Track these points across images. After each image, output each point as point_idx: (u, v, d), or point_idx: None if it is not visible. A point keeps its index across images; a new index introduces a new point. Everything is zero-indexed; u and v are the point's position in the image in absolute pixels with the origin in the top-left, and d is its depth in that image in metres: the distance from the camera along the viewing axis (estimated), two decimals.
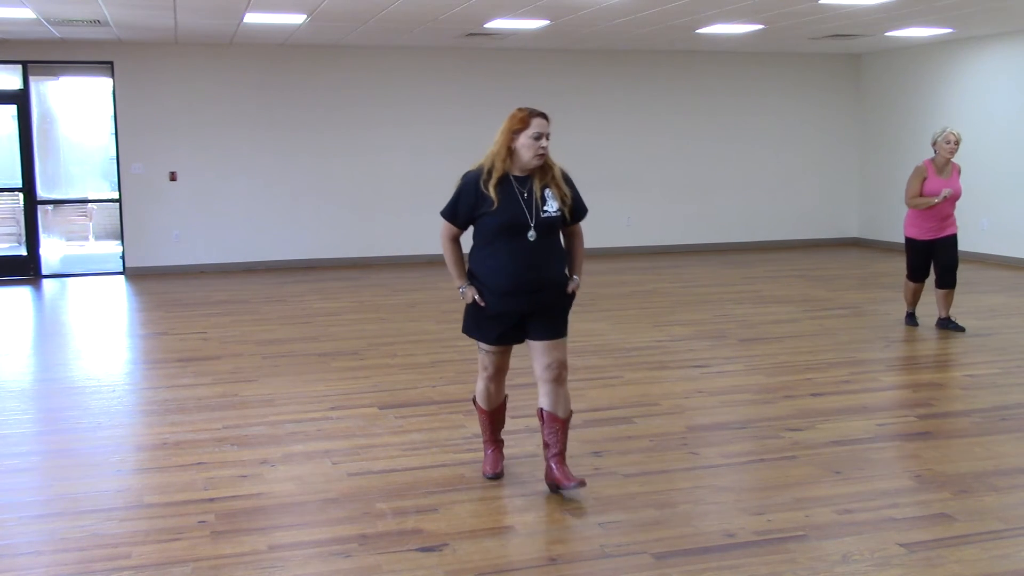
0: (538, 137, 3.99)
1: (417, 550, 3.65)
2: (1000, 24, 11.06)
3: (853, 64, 14.29)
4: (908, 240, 7.84)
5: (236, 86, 12.17)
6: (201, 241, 12.24)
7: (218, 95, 12.13)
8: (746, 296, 9.71)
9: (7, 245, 12.68)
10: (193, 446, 4.99)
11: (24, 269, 11.90)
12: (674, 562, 3.52)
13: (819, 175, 14.39)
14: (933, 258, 7.76)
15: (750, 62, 13.86)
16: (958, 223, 7.84)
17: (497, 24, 10.39)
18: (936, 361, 7.06)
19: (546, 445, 4.24)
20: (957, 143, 7.55)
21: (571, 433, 4.51)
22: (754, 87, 13.95)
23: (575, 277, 4.24)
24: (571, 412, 4.27)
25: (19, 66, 11.60)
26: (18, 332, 8.67)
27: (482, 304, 4.13)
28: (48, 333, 8.77)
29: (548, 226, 4.08)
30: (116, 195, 12.15)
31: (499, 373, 4.31)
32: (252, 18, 9.75)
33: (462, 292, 4.20)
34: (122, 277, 11.92)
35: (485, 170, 4.05)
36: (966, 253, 11.42)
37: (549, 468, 4.23)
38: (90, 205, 14.09)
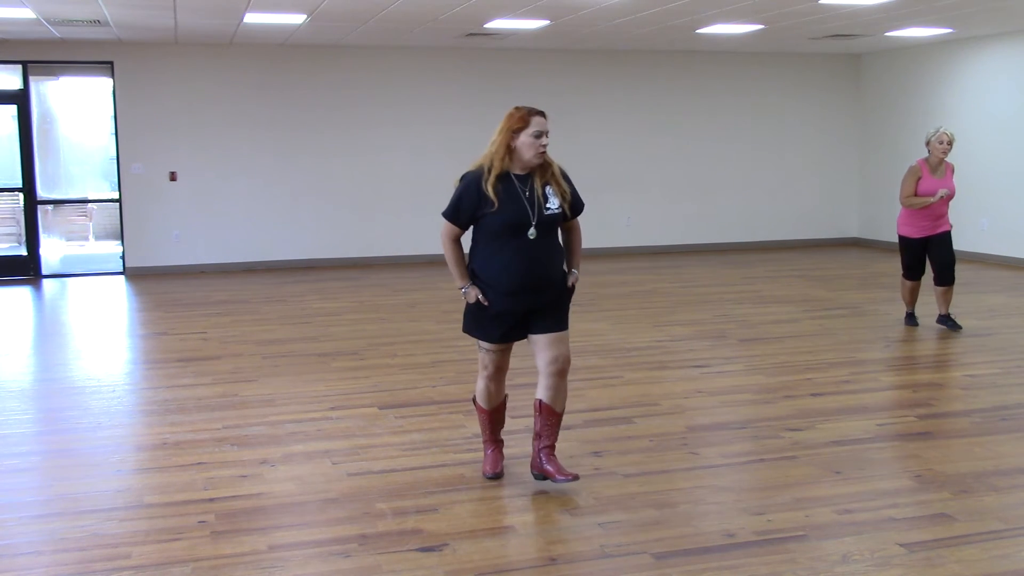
0: (538, 135, 4.01)
1: (417, 550, 3.65)
2: (1000, 24, 11.06)
3: (853, 64, 14.29)
4: (902, 239, 7.87)
5: (236, 86, 12.17)
6: (201, 241, 12.24)
7: (218, 95, 12.13)
8: (746, 296, 9.71)
9: (7, 245, 12.68)
10: (193, 446, 4.99)
11: (24, 269, 11.90)
12: (674, 562, 3.52)
13: (819, 175, 14.39)
14: (929, 256, 7.77)
15: (750, 62, 13.85)
16: (956, 223, 7.85)
17: (497, 24, 10.39)
18: (936, 361, 7.06)
19: (538, 436, 4.28)
20: (950, 143, 7.55)
21: (571, 433, 4.52)
22: (754, 87, 13.95)
23: (574, 271, 4.27)
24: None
25: (19, 66, 11.60)
26: (18, 332, 8.67)
27: (485, 304, 4.12)
28: (48, 333, 8.77)
29: (549, 224, 4.11)
30: (116, 195, 12.15)
31: (499, 372, 4.32)
32: (252, 18, 9.75)
33: (464, 292, 4.19)
34: (122, 277, 11.92)
35: (486, 169, 4.05)
36: (966, 253, 11.43)
37: (539, 459, 4.28)
38: (90, 205, 14.09)
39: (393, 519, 3.96)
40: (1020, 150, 11.73)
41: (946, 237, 7.71)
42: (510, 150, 4.03)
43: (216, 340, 7.82)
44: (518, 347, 4.31)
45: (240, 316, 8.94)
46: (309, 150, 12.46)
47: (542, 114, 4.05)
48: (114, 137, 11.94)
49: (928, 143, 7.63)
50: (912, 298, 8.03)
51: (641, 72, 13.45)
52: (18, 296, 10.70)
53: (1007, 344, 7.30)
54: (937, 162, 7.62)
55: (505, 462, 4.54)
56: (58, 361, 7.30)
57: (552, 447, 4.27)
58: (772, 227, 14.20)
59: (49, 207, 12.63)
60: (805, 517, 3.92)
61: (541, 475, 4.28)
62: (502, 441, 4.53)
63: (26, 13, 9.24)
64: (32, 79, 11.74)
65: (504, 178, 4.04)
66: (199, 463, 4.71)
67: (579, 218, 4.31)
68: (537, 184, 4.08)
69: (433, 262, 12.61)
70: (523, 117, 4.01)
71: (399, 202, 12.72)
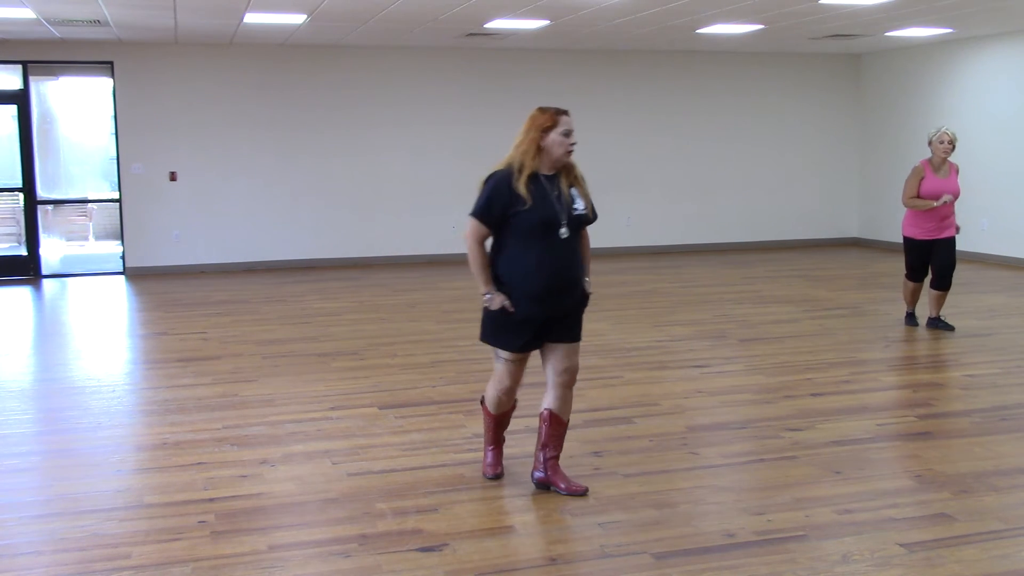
0: (567, 134, 4.03)
1: (417, 550, 3.65)
2: (1000, 24, 11.06)
3: (853, 64, 14.29)
4: (907, 240, 7.84)
5: (236, 86, 12.17)
6: (201, 241, 12.24)
7: (218, 95, 12.13)
8: (746, 296, 9.71)
9: (7, 245, 12.68)
10: (193, 446, 4.99)
11: (24, 269, 11.90)
12: (674, 562, 3.52)
13: (819, 175, 14.39)
14: (931, 258, 7.75)
15: (750, 62, 13.86)
16: (958, 223, 7.84)
17: (497, 24, 10.39)
18: (936, 361, 7.05)
19: (544, 446, 4.25)
20: (951, 142, 7.53)
21: (571, 433, 4.52)
22: (754, 87, 13.95)
23: (586, 279, 4.26)
24: None
25: (19, 66, 11.60)
26: (18, 332, 8.67)
27: (511, 310, 4.04)
28: (48, 333, 8.77)
29: (578, 224, 4.10)
30: (116, 195, 12.16)
31: (516, 384, 4.26)
32: (252, 18, 9.75)
33: (488, 298, 4.08)
34: (122, 277, 11.92)
35: (515, 168, 4.02)
36: (966, 253, 11.43)
37: (545, 470, 4.25)
38: (90, 205, 14.09)
39: (393, 519, 3.96)
40: (1020, 150, 11.73)
41: (951, 243, 7.69)
42: (539, 150, 4.02)
43: (216, 340, 7.82)
44: None
45: (240, 316, 8.94)
46: (309, 150, 12.46)
47: (568, 113, 4.07)
48: (114, 137, 11.94)
49: (930, 143, 7.62)
50: (914, 298, 8.03)
51: (641, 72, 13.45)
52: (18, 296, 10.70)
53: (1007, 344, 7.30)
54: (940, 162, 7.61)
55: (505, 462, 4.54)
56: (58, 361, 7.31)
57: (557, 457, 4.25)
58: (772, 227, 14.20)
59: (49, 207, 12.63)
60: (805, 517, 3.92)
61: (544, 484, 4.24)
62: (504, 440, 4.53)
63: (26, 13, 9.24)
64: (32, 79, 11.74)
65: (533, 178, 4.02)
66: (199, 463, 4.71)
67: None
68: (563, 185, 4.08)
69: (433, 262, 12.62)
70: (552, 116, 4.01)
71: (399, 202, 12.72)
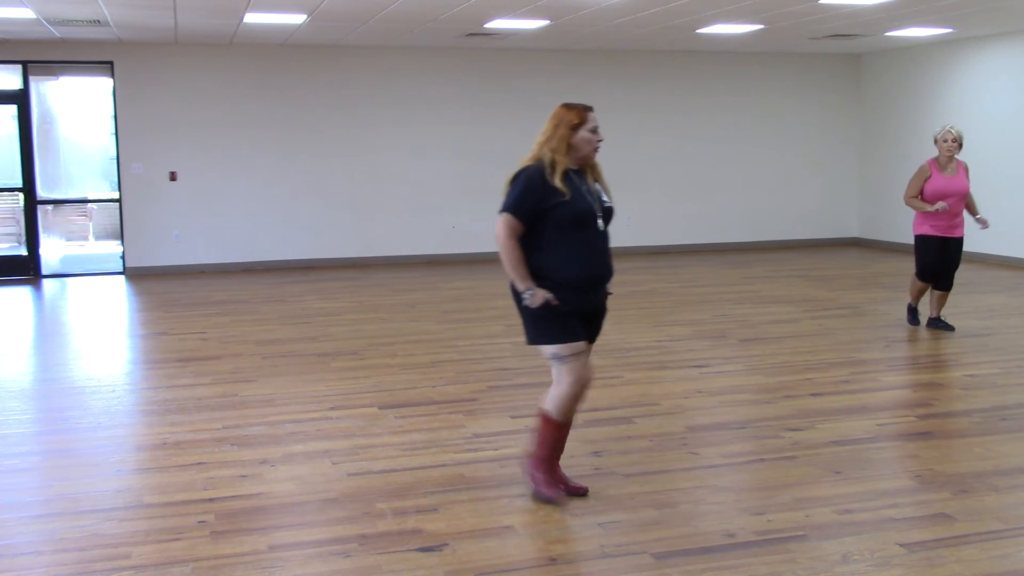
0: (594, 131, 4.04)
1: (417, 550, 3.65)
2: (1000, 24, 11.06)
3: (853, 64, 14.29)
4: (921, 238, 7.69)
5: (236, 86, 12.17)
6: (201, 241, 12.24)
7: (218, 95, 12.13)
8: (746, 296, 9.71)
9: (7, 245, 12.68)
10: (193, 446, 4.99)
11: (24, 269, 11.90)
12: (674, 562, 3.52)
13: (819, 175, 14.39)
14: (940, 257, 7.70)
15: (750, 62, 13.86)
16: (984, 216, 7.82)
17: (497, 24, 10.39)
18: (936, 361, 7.05)
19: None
20: (955, 140, 7.48)
21: (571, 433, 4.49)
22: (754, 87, 13.95)
23: None
24: None
25: (19, 66, 11.60)
26: (18, 332, 8.67)
27: (555, 304, 3.94)
28: (48, 333, 8.77)
29: (609, 216, 4.10)
30: (116, 195, 12.16)
31: (591, 376, 4.13)
32: (252, 18, 9.75)
33: (530, 294, 3.92)
34: (122, 277, 11.92)
35: (547, 163, 3.99)
36: (966, 253, 11.40)
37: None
38: (90, 205, 14.09)
39: (393, 519, 3.96)
40: (1020, 150, 11.73)
41: (960, 244, 7.68)
42: (569, 146, 4.03)
43: (216, 340, 7.82)
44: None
45: (240, 316, 8.93)
46: (309, 150, 12.46)
47: (593, 110, 4.08)
48: (114, 137, 11.94)
49: (936, 141, 7.58)
50: (920, 295, 7.99)
51: (641, 72, 13.45)
52: (18, 296, 10.70)
53: (1007, 344, 7.30)
54: (946, 160, 7.55)
55: (505, 462, 4.54)
56: (58, 361, 7.31)
57: (558, 458, 4.26)
58: (772, 227, 14.20)
59: (49, 207, 12.62)
60: (805, 517, 3.92)
61: (576, 492, 4.21)
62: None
63: (26, 13, 9.24)
64: (32, 79, 11.75)
65: (565, 173, 4.03)
66: (199, 463, 4.71)
67: None
68: (590, 180, 4.10)
69: (433, 262, 12.62)
70: (579, 113, 4.01)
71: (399, 202, 12.72)
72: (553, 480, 4.15)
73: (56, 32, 10.64)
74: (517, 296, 4.04)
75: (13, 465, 4.78)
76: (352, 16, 9.78)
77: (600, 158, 4.16)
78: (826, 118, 14.33)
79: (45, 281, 11.72)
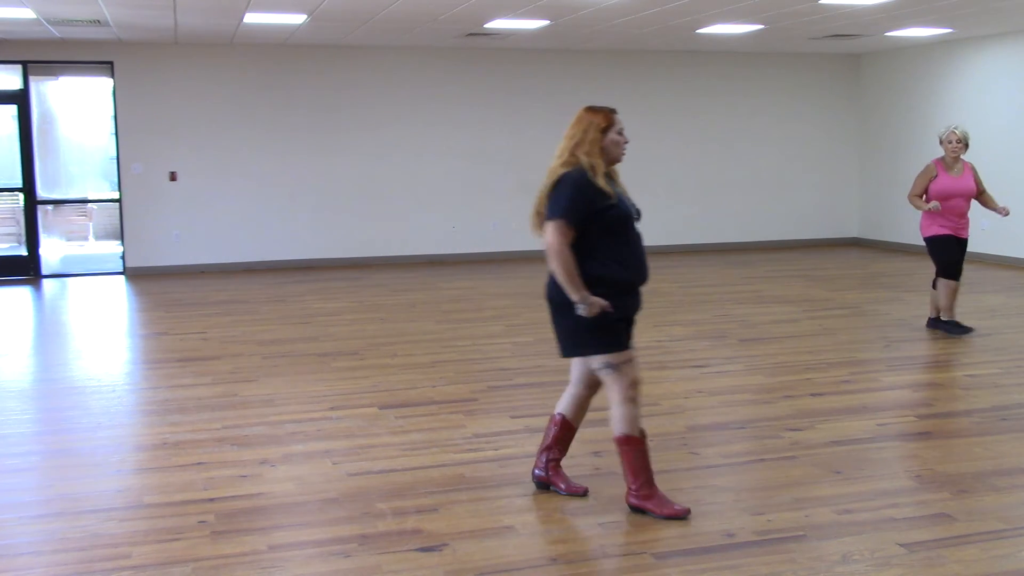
0: (621, 132, 4.03)
1: (417, 550, 3.65)
2: (1000, 24, 11.06)
3: (853, 64, 14.29)
4: (933, 239, 7.59)
5: (236, 86, 12.17)
6: (201, 241, 12.24)
7: (218, 95, 12.13)
8: (746, 296, 9.71)
9: (7, 245, 12.68)
10: (193, 446, 4.99)
11: (24, 269, 11.90)
12: (674, 562, 3.52)
13: (819, 175, 14.39)
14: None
15: (750, 62, 13.86)
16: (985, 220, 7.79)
17: (497, 24, 10.39)
18: (936, 361, 7.05)
19: (549, 448, 4.24)
20: (960, 141, 7.43)
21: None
22: (754, 87, 13.95)
23: None
24: None
25: (19, 66, 11.60)
26: (18, 332, 8.67)
27: (611, 310, 3.90)
28: (48, 333, 8.77)
29: (640, 217, 4.11)
30: (116, 195, 12.16)
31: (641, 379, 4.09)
32: (252, 18, 9.75)
33: (587, 304, 3.82)
34: (122, 277, 11.92)
35: (587, 167, 3.93)
36: (966, 253, 11.40)
37: (548, 470, 4.23)
38: (90, 205, 14.08)
39: (393, 519, 3.96)
40: (1020, 150, 11.73)
41: (964, 244, 7.63)
42: (602, 150, 4.00)
43: (216, 340, 7.82)
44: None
45: (240, 316, 8.93)
46: (309, 150, 12.46)
47: (617, 112, 4.07)
48: (114, 137, 11.94)
49: (941, 142, 7.56)
50: (952, 300, 7.61)
51: (641, 72, 13.45)
52: (18, 296, 10.70)
53: (1007, 344, 7.30)
54: (952, 161, 7.52)
55: (505, 462, 4.54)
56: (58, 361, 7.31)
57: (559, 460, 4.26)
58: (772, 227, 14.20)
59: (49, 207, 12.63)
60: (805, 517, 3.92)
61: (544, 484, 4.23)
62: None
63: (26, 13, 9.24)
64: (32, 79, 11.75)
65: (604, 175, 4.00)
66: (199, 463, 4.71)
67: None
68: (618, 181, 4.10)
69: (433, 262, 12.62)
70: (607, 116, 3.98)
71: (399, 202, 12.72)
72: (664, 496, 3.97)
73: (56, 32, 10.64)
74: (558, 306, 3.95)
75: (13, 465, 4.78)
76: (352, 16, 9.79)
77: None
78: (826, 118, 14.33)
79: (45, 281, 11.72)
